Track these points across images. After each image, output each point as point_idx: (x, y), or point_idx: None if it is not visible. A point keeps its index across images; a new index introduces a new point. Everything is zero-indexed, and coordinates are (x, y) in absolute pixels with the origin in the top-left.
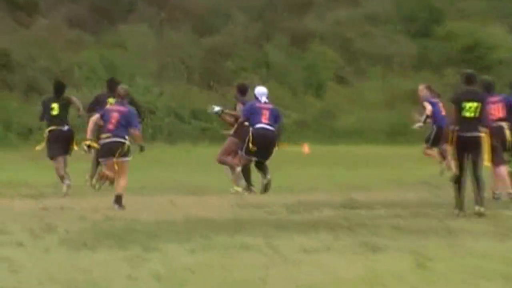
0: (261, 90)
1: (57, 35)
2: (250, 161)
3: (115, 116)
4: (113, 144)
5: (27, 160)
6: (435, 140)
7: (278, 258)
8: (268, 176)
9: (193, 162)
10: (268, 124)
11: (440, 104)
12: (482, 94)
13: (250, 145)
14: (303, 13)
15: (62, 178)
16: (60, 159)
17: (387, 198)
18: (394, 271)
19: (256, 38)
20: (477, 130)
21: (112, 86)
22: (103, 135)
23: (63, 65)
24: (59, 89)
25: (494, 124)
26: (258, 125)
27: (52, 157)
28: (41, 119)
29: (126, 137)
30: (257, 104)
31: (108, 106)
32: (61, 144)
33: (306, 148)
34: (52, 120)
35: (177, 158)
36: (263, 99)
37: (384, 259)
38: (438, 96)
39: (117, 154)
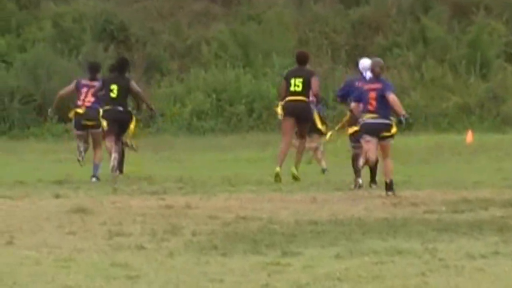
0: (366, 63)
1: (183, 7)
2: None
3: (372, 95)
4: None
5: (149, 151)
6: None
7: (437, 265)
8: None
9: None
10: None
11: None
12: None
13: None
14: None
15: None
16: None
17: None
18: None
19: (411, 9)
20: None
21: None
22: (367, 115)
23: (189, 41)
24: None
25: None
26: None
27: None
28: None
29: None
30: (360, 84)
31: (361, 85)
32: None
33: (469, 137)
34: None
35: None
36: (368, 74)
37: None
38: None
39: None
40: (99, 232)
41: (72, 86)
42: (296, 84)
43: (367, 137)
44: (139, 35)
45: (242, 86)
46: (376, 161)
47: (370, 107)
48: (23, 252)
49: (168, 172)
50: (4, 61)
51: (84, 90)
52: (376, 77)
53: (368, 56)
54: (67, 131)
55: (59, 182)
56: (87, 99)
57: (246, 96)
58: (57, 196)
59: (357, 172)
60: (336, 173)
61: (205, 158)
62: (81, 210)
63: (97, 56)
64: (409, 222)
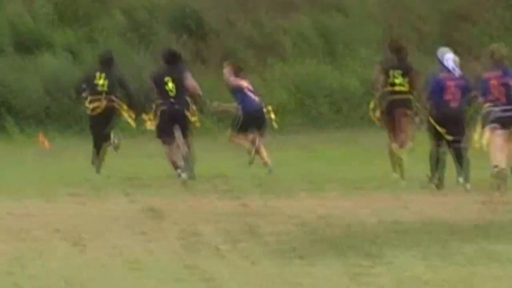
0: (448, 53)
1: None
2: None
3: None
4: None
5: (225, 148)
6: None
7: None
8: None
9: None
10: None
11: None
12: None
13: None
14: None
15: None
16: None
17: None
18: None
19: None
20: None
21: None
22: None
23: (268, 31)
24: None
25: None
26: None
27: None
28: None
29: None
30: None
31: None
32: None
33: None
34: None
35: None
36: (450, 64)
37: None
38: None
39: None
40: (171, 233)
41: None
42: (395, 76)
43: (499, 130)
44: (214, 25)
45: (324, 80)
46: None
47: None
48: (91, 254)
49: (245, 170)
50: (72, 54)
51: None
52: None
53: (459, 50)
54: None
55: (129, 180)
56: None
57: (329, 90)
58: (127, 195)
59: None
60: (421, 170)
61: (285, 156)
62: (152, 210)
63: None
64: (504, 225)
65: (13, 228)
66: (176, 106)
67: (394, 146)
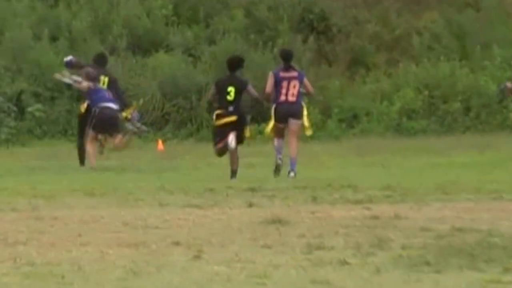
0: None
1: None
2: None
3: None
4: None
5: (352, 154)
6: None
7: None
8: None
9: None
10: None
11: None
12: None
13: None
14: None
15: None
16: None
17: None
18: None
19: None
20: None
21: (102, 62)
22: None
23: (398, 31)
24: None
25: None
26: None
27: None
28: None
29: None
30: None
31: None
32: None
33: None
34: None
35: None
36: None
37: None
38: None
39: None
40: (297, 245)
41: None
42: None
43: None
44: (341, 25)
45: (457, 82)
46: None
47: None
48: (213, 267)
49: (374, 178)
50: (191, 55)
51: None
52: None
53: None
54: (260, 132)
55: (252, 190)
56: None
57: (463, 93)
58: (250, 205)
59: None
60: None
61: (416, 163)
62: (277, 221)
63: (295, 49)
64: None
65: (130, 240)
66: None
67: None
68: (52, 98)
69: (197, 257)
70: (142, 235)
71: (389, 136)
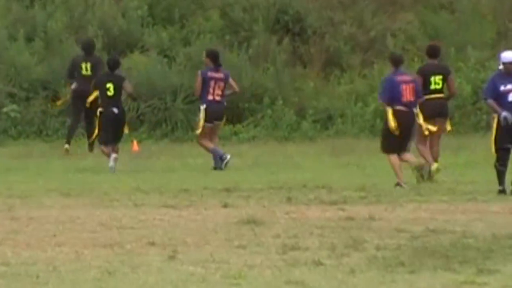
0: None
1: None
2: None
3: None
4: None
5: (327, 155)
6: None
7: None
8: None
9: None
10: None
11: None
12: None
13: None
14: None
15: None
16: None
17: None
18: None
19: None
20: None
21: (89, 49)
22: None
23: (373, 32)
24: None
25: None
26: None
27: None
28: None
29: None
30: None
31: None
32: None
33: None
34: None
35: None
36: None
37: None
38: None
39: None
40: (272, 245)
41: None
42: (437, 82)
43: None
44: (316, 26)
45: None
46: None
47: None
48: (188, 267)
49: (349, 179)
50: (166, 56)
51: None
52: None
53: None
54: (236, 133)
55: (227, 190)
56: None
57: None
58: (226, 206)
59: None
60: None
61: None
62: (252, 221)
63: (270, 50)
64: None
65: (105, 241)
66: None
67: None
68: (27, 99)
69: (172, 257)
70: (118, 236)
71: (363, 137)
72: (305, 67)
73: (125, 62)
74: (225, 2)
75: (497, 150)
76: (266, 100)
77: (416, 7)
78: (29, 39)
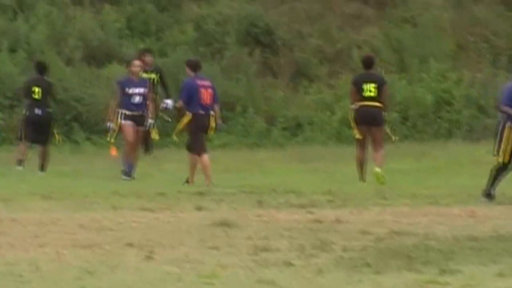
0: None
1: (333, 9)
2: None
3: None
4: None
5: (296, 161)
6: None
7: None
8: None
9: None
10: None
11: None
12: None
13: None
14: None
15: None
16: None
17: None
18: None
19: None
20: None
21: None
22: None
23: (340, 45)
24: None
25: None
26: None
27: None
28: None
29: None
30: None
31: None
32: None
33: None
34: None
35: (478, 160)
36: None
37: None
38: None
39: None
40: (244, 247)
41: None
42: (370, 89)
43: None
44: (286, 38)
45: (396, 93)
46: None
47: None
48: (164, 267)
49: (317, 184)
50: None
51: None
52: None
53: None
54: (209, 140)
55: (201, 194)
56: None
57: (400, 103)
58: (199, 209)
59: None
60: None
61: (356, 169)
62: (224, 224)
63: (241, 61)
64: None
65: (85, 242)
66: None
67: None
68: (11, 107)
69: (149, 257)
70: (97, 237)
71: (331, 144)
72: (275, 77)
73: (103, 72)
74: (199, 16)
75: (510, 161)
76: (238, 108)
77: (381, 21)
78: (13, 50)
